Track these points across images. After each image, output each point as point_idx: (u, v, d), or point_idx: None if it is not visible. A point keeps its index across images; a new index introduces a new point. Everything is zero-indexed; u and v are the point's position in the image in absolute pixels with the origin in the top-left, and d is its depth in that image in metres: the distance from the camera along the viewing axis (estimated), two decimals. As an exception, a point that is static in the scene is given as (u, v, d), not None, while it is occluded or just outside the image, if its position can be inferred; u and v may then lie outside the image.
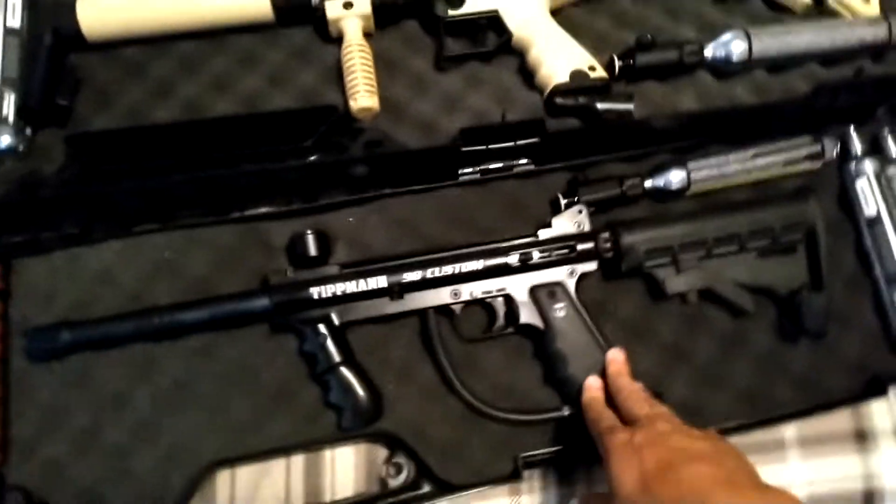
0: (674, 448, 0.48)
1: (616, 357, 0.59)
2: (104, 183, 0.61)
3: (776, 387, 0.62)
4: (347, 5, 0.66)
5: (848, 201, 0.67)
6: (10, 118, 0.60)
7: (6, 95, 0.60)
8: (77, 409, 0.60)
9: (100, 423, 0.59)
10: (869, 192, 0.65)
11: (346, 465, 0.61)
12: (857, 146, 0.67)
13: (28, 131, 0.62)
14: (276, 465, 0.61)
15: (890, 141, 0.66)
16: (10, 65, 0.61)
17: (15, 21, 0.63)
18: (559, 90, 0.65)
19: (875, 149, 0.67)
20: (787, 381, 0.62)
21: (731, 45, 0.68)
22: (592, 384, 0.59)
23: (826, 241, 0.62)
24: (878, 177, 0.65)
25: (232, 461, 0.60)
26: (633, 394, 0.56)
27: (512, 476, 0.59)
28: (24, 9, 0.64)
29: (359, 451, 0.61)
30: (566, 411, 0.60)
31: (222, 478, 0.60)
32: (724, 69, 0.69)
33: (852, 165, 0.66)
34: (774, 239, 0.62)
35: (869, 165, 0.66)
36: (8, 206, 0.59)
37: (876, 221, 0.65)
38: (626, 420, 0.54)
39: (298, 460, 0.61)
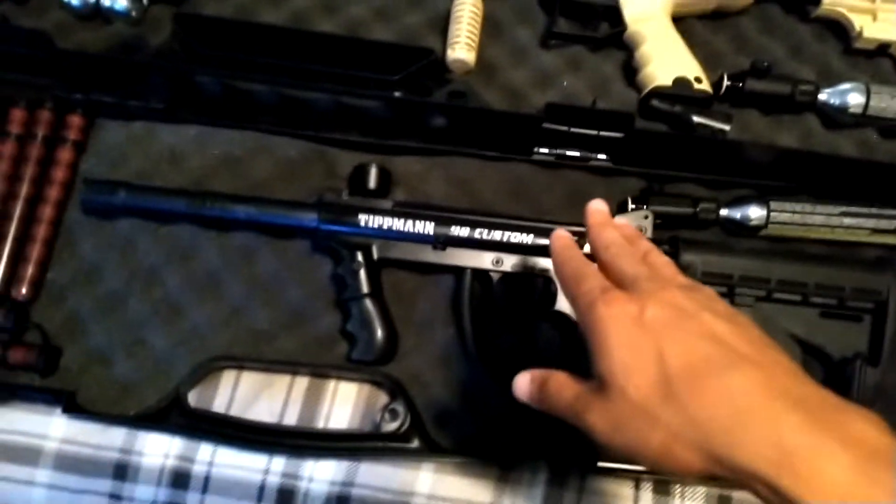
0: (709, 338, 0.34)
1: (598, 207, 0.46)
2: (197, 66, 0.63)
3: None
4: (472, -41, 0.66)
5: (930, 289, 0.62)
6: (132, -17, 0.63)
7: (134, -38, 0.62)
8: (112, 272, 0.61)
9: (128, 292, 0.60)
10: (955, 283, 0.61)
11: (345, 400, 0.60)
12: (955, 235, 0.63)
13: (145, 1, 0.64)
14: (280, 381, 0.61)
15: None
16: (147, -66, 0.64)
17: None
18: (658, 92, 0.63)
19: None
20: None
21: (849, 95, 0.65)
22: (562, 233, 0.45)
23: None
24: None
25: (240, 360, 0.60)
26: (624, 248, 0.41)
27: (501, 461, 0.57)
28: None
29: (361, 391, 0.61)
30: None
31: (227, 378, 0.61)
32: (834, 118, 0.66)
33: (945, 253, 0.62)
34: (841, 301, 0.58)
35: (962, 257, 0.62)
36: (106, 61, 0.62)
37: (955, 315, 0.60)
38: (618, 286, 0.39)
39: (302, 382, 0.61)
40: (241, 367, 0.61)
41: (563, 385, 0.40)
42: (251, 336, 0.60)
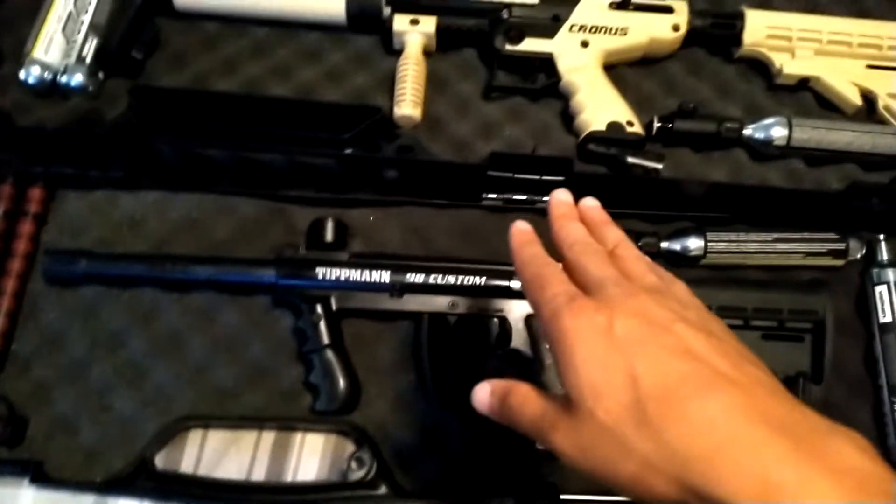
0: (684, 354, 0.32)
1: (562, 198, 0.41)
2: (154, 136, 0.65)
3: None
4: (414, 21, 0.70)
5: (865, 306, 0.66)
6: (88, 60, 0.65)
7: (90, 39, 0.65)
8: (76, 340, 0.62)
9: (92, 358, 0.61)
10: (887, 299, 0.64)
11: (313, 452, 0.61)
12: (883, 254, 0.66)
13: (101, 75, 0.67)
14: (247, 437, 0.61)
15: (917, 257, 0.66)
16: (101, 13, 0.67)
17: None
18: (594, 137, 0.67)
19: (901, 261, 0.66)
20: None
21: (773, 129, 0.69)
22: (523, 227, 0.41)
23: (835, 339, 0.61)
24: (899, 287, 0.64)
25: (206, 419, 0.61)
26: (591, 246, 0.38)
27: (468, 502, 0.58)
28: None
29: (328, 442, 0.61)
30: (541, 446, 0.59)
31: (193, 438, 0.61)
32: (761, 151, 0.70)
33: (875, 271, 0.66)
34: (781, 323, 0.61)
35: (892, 275, 0.65)
36: (65, 136, 0.64)
37: (889, 329, 0.63)
38: (584, 288, 0.36)
39: (269, 437, 0.61)
40: (207, 426, 0.61)
41: (526, 399, 0.37)
42: (216, 394, 0.61)
